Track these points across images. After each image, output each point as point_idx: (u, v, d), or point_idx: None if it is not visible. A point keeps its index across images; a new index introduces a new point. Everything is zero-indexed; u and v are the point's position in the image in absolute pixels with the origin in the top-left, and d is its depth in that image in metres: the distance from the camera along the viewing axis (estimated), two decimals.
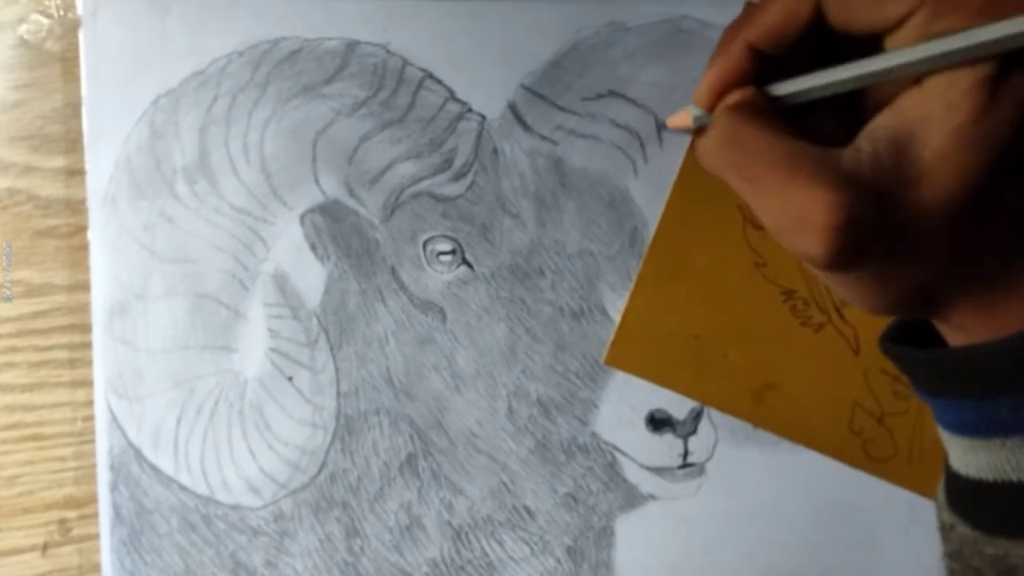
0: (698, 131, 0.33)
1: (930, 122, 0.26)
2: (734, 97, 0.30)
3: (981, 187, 0.26)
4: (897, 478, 0.44)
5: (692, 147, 0.43)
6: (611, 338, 0.43)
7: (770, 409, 0.43)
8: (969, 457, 0.29)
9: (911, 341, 0.31)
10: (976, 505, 0.29)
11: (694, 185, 0.43)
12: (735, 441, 0.44)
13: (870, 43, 0.28)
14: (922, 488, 0.44)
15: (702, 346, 0.43)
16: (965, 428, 0.29)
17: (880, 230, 0.26)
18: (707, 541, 0.45)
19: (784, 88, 0.30)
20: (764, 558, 0.45)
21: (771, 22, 0.29)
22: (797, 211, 0.26)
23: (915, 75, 0.27)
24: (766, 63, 0.30)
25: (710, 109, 0.31)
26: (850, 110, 0.30)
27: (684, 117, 0.35)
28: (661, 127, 0.43)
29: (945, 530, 0.31)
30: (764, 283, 0.43)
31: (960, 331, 0.30)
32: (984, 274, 0.28)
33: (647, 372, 0.43)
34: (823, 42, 0.29)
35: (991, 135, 0.26)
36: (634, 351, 0.43)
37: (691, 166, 0.43)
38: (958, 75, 0.26)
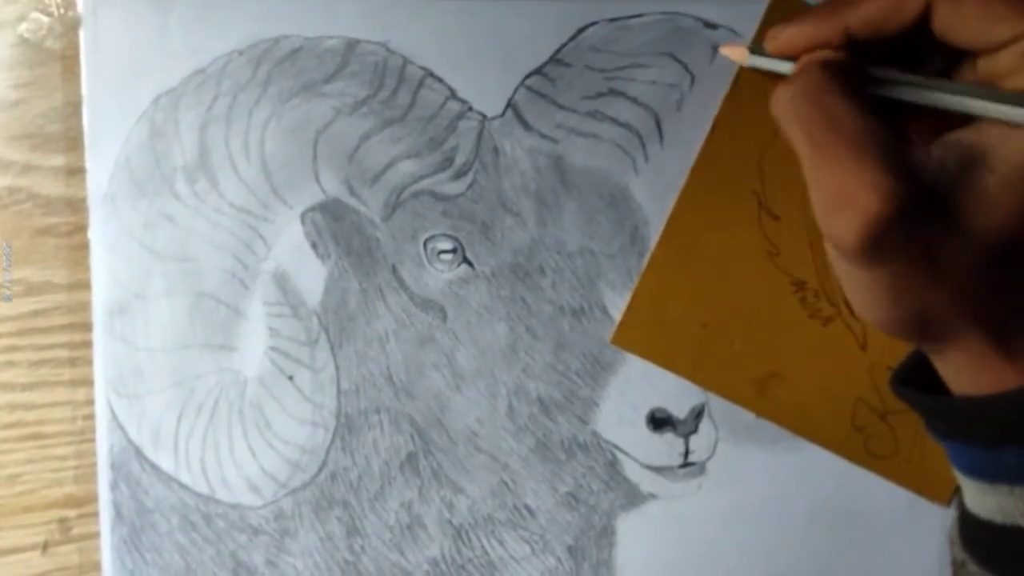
0: (744, 75, 0.31)
1: (1005, 150, 0.26)
2: (824, 54, 0.29)
3: None
4: (896, 476, 0.44)
5: (714, 128, 0.42)
6: (618, 318, 0.43)
7: (773, 399, 0.43)
8: (980, 499, 0.29)
9: (920, 382, 0.31)
10: (986, 546, 0.29)
11: (712, 169, 0.43)
12: (736, 440, 0.44)
13: (959, 53, 0.28)
14: (920, 488, 0.44)
15: (709, 332, 0.43)
16: (974, 472, 0.29)
17: (919, 235, 0.26)
18: (707, 540, 0.45)
19: (880, 75, 0.29)
20: (764, 557, 0.45)
21: (876, 12, 0.28)
22: (851, 188, 0.25)
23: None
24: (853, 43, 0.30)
25: (781, 57, 0.31)
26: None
27: (741, 52, 0.34)
28: (714, 49, 0.42)
29: (956, 566, 0.31)
30: (775, 272, 0.43)
31: (955, 373, 0.29)
32: (995, 317, 0.28)
33: (652, 354, 0.43)
34: (914, 39, 0.29)
35: None
36: (641, 333, 0.43)
37: (711, 148, 0.43)
38: None
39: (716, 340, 0.43)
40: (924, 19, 0.28)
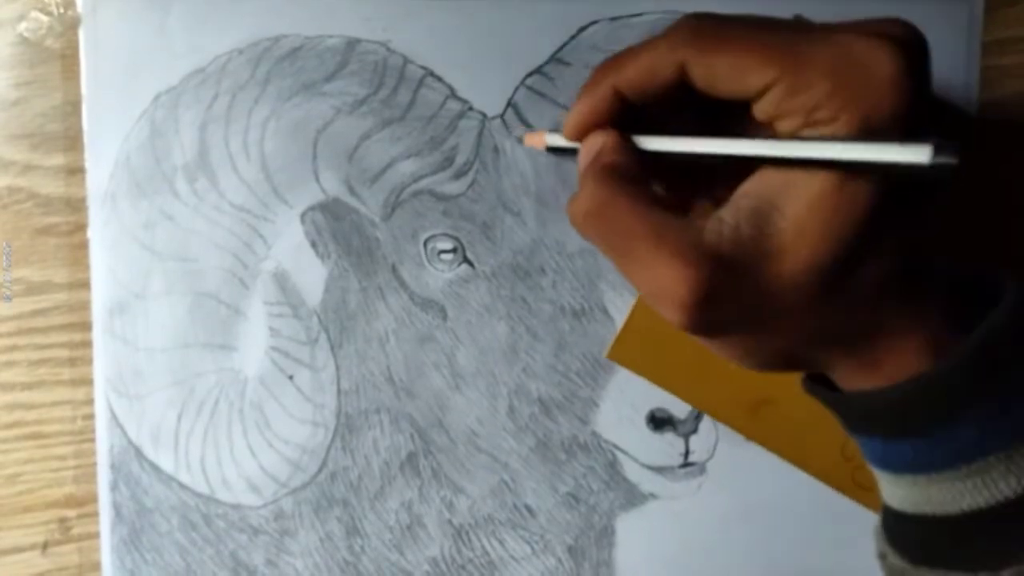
0: (554, 151, 0.34)
1: (791, 191, 0.27)
2: (603, 157, 0.30)
3: (839, 260, 0.26)
4: (879, 508, 0.44)
5: None
6: (616, 333, 0.43)
7: (764, 424, 0.43)
8: (891, 490, 0.30)
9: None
10: (901, 536, 0.30)
11: None
12: (736, 440, 0.44)
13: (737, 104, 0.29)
14: None
15: (705, 353, 0.43)
16: (882, 464, 0.30)
17: (737, 303, 0.27)
18: (707, 540, 0.45)
19: (649, 144, 0.31)
20: (764, 557, 0.45)
21: (634, 74, 0.30)
22: (659, 284, 0.27)
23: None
24: (636, 106, 0.31)
25: (576, 140, 0.33)
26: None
27: (539, 138, 0.37)
28: (519, 139, 0.44)
29: (880, 559, 0.32)
30: None
31: (845, 382, 0.30)
32: (852, 338, 0.29)
33: (647, 371, 0.43)
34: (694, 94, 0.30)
35: (848, 207, 0.26)
36: (637, 349, 0.43)
37: None
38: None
39: (711, 361, 0.43)
40: (687, 78, 0.29)
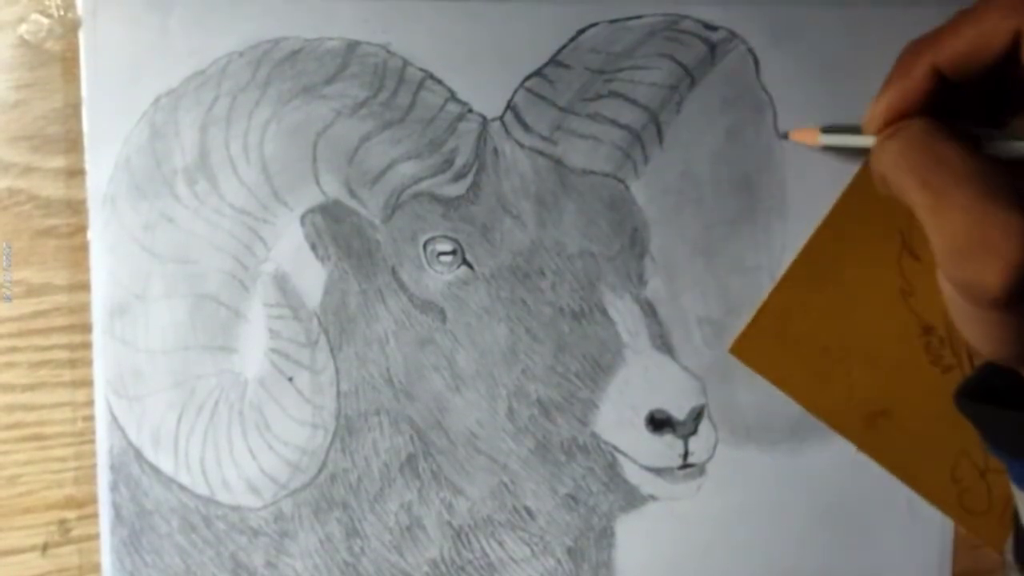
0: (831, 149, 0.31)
1: None
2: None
3: None
4: (983, 534, 0.44)
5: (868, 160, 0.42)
6: (742, 328, 0.43)
7: (878, 436, 0.43)
8: None
9: (989, 398, 0.30)
10: None
11: (862, 198, 0.42)
12: (735, 442, 0.44)
13: None
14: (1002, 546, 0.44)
15: (829, 358, 0.43)
16: None
17: None
18: (707, 541, 0.45)
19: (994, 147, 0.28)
20: (764, 558, 0.45)
21: (962, 47, 0.27)
22: (982, 232, 0.24)
23: None
24: (946, 93, 0.28)
25: (880, 132, 0.29)
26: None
27: (812, 135, 0.35)
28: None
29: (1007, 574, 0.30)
30: (906, 312, 0.43)
31: None
32: None
33: (768, 371, 0.43)
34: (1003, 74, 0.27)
35: None
36: (761, 347, 0.43)
37: (865, 177, 0.42)
38: None
39: (834, 367, 0.43)
40: (1015, 49, 0.26)
